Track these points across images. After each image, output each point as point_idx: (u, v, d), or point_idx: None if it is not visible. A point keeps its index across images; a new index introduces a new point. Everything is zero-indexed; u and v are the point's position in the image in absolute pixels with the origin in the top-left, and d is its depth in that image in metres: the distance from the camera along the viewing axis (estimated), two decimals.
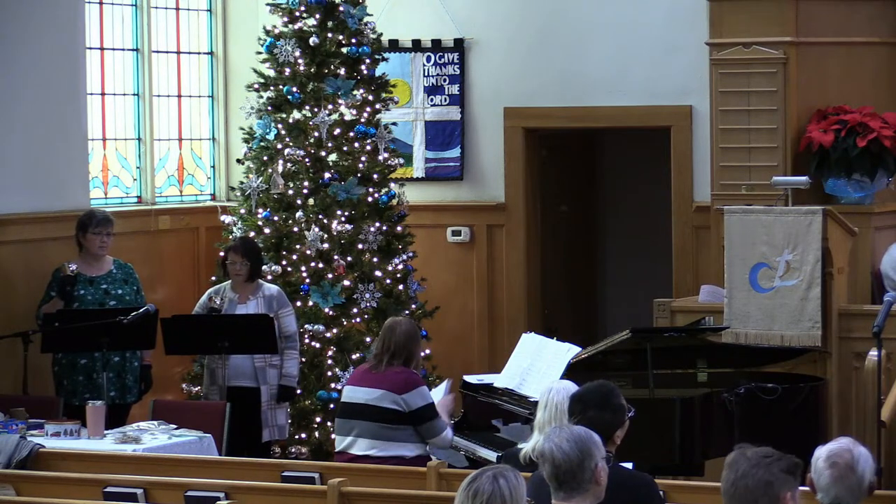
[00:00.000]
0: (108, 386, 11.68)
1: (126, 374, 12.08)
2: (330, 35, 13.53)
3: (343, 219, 13.36)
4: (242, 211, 13.45)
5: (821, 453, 6.52)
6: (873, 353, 11.50)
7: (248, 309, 12.07)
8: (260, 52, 13.73)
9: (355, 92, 13.53)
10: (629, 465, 7.76)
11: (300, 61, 13.49)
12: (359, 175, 13.46)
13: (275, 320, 11.89)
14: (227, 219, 13.62)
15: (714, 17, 13.48)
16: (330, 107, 13.46)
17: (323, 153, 13.47)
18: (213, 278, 13.08)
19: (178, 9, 14.77)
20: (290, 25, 13.59)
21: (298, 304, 13.11)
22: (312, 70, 13.51)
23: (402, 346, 10.08)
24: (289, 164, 13.45)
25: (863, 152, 13.00)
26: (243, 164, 13.78)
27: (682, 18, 13.83)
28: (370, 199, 13.49)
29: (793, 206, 12.28)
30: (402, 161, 14.11)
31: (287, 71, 13.53)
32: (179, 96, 14.80)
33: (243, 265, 12.16)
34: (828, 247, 12.02)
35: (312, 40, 13.49)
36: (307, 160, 13.45)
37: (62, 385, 11.95)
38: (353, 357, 13.09)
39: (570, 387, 8.16)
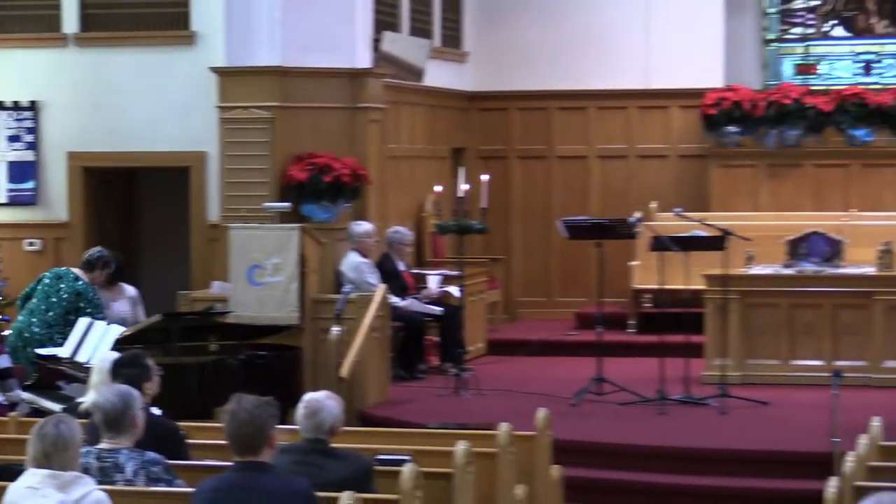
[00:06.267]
0: None
1: None
2: None
3: None
4: None
5: (302, 399, 6.72)
6: (336, 329, 11.74)
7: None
8: None
9: None
10: (159, 413, 7.73)
11: None
12: None
13: None
14: None
15: (222, 87, 13.50)
16: None
17: None
18: None
19: None
20: None
21: None
22: None
23: None
24: None
25: (329, 186, 13.21)
26: None
27: (199, 87, 13.76)
28: None
29: (279, 224, 12.40)
30: None
31: None
32: None
33: None
34: (304, 253, 12.18)
35: None
36: None
37: None
38: None
39: (116, 357, 8.08)
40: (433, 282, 14.07)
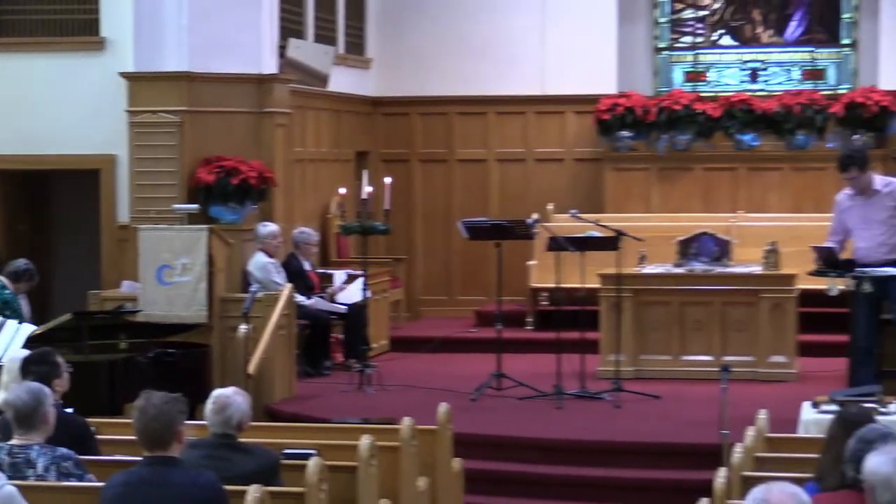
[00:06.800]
0: None
1: None
2: None
3: None
4: None
5: (211, 395, 6.68)
6: (243, 327, 11.68)
7: None
8: None
9: None
10: (70, 410, 7.65)
11: None
12: None
13: None
14: None
15: (131, 91, 13.39)
16: None
17: None
18: None
19: None
20: None
21: None
22: None
23: None
24: None
25: (236, 188, 13.16)
26: None
27: (109, 92, 13.63)
28: None
29: (188, 224, 12.32)
30: None
31: None
32: None
33: None
34: (212, 253, 12.11)
35: None
36: None
37: None
38: None
39: (26, 355, 7.98)
40: (338, 281, 14.05)
